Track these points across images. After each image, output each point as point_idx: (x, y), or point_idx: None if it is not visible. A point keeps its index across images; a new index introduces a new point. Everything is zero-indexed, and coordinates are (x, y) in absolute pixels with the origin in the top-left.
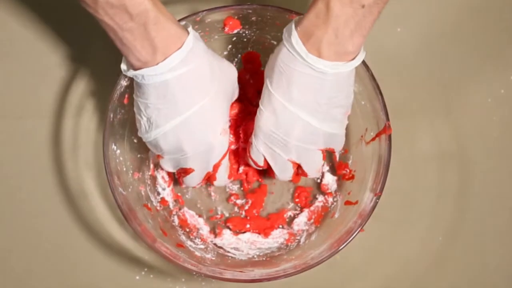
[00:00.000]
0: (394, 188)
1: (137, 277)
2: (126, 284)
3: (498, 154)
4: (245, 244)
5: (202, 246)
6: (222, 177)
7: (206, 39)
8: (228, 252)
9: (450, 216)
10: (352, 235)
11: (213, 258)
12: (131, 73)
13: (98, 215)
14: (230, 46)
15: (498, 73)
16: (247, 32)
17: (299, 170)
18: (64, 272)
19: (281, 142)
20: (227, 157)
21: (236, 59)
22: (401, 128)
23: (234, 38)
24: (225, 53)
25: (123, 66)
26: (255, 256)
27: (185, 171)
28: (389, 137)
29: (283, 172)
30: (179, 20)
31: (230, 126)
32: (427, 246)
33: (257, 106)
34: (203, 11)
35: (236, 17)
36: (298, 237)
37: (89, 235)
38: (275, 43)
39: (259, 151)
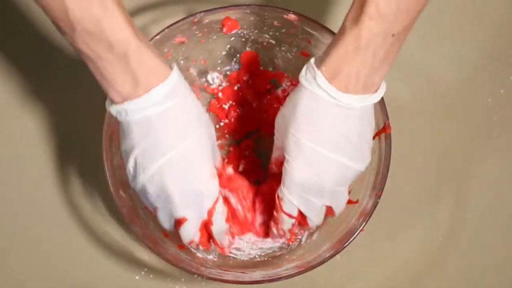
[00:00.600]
0: (394, 188)
1: (137, 277)
2: (126, 284)
3: (498, 154)
4: (246, 244)
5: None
6: (220, 223)
7: (204, 39)
8: (230, 252)
9: (450, 216)
10: (354, 234)
11: (215, 259)
12: (114, 109)
13: (98, 215)
14: (228, 46)
15: (498, 73)
16: (245, 32)
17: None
18: (63, 272)
19: (317, 189)
20: (221, 201)
21: (234, 59)
22: (400, 128)
23: (233, 38)
24: (224, 53)
25: (107, 103)
26: (257, 256)
27: (178, 222)
28: (389, 136)
29: (318, 218)
30: (177, 22)
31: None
32: (427, 246)
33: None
34: (200, 12)
35: (234, 17)
36: (300, 237)
37: (88, 235)
38: (273, 42)
39: (294, 204)
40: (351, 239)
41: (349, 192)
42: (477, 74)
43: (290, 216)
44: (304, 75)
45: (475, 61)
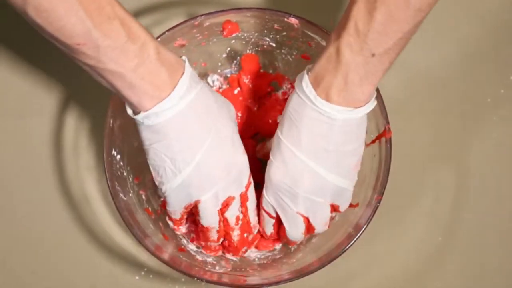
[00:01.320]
0: (394, 188)
1: (137, 277)
2: (126, 285)
3: (497, 154)
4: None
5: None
6: (253, 197)
7: (204, 42)
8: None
9: (449, 216)
10: (354, 238)
11: (214, 262)
12: (144, 114)
13: (98, 217)
14: (229, 48)
15: (497, 73)
16: (246, 34)
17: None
18: (63, 273)
19: (290, 193)
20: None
21: (235, 61)
22: (400, 128)
23: (233, 41)
24: (224, 55)
25: (130, 112)
26: (256, 259)
27: (226, 204)
28: (389, 140)
29: (294, 227)
30: (178, 25)
31: None
32: (427, 246)
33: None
34: (201, 15)
35: (234, 20)
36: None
37: (88, 236)
38: (274, 45)
39: (270, 203)
40: (351, 243)
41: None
42: (477, 74)
43: (269, 215)
44: (297, 79)
45: (474, 61)
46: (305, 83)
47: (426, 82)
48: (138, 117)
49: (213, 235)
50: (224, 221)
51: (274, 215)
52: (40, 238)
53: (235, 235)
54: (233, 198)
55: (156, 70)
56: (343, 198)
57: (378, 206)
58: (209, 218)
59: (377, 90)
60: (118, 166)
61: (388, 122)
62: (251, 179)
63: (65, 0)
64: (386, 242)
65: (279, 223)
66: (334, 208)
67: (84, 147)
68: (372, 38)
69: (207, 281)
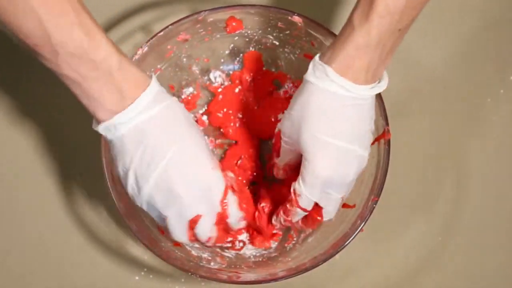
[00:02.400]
0: (393, 188)
1: (137, 277)
2: (126, 284)
3: (497, 154)
4: (241, 244)
5: (199, 245)
6: (235, 213)
7: (208, 38)
8: (225, 251)
9: (449, 216)
10: (349, 239)
11: (210, 258)
12: (103, 127)
13: (97, 215)
14: (232, 45)
15: (497, 73)
16: (249, 32)
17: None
18: (63, 273)
19: (340, 182)
20: (230, 192)
21: (237, 58)
22: (400, 128)
23: (236, 38)
24: (227, 52)
25: (94, 125)
26: (252, 257)
27: (193, 222)
28: (388, 142)
29: (334, 210)
30: (182, 19)
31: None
32: (427, 246)
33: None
34: (205, 10)
35: (238, 17)
36: (296, 238)
37: (88, 235)
38: (277, 43)
39: (311, 200)
40: (345, 244)
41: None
42: (477, 74)
43: (305, 210)
44: (313, 73)
45: (475, 61)
46: (332, 75)
47: (426, 83)
48: (98, 129)
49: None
50: (195, 239)
51: (310, 208)
52: (40, 238)
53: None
54: (200, 216)
55: (115, 84)
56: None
57: (374, 207)
58: (176, 235)
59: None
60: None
61: (387, 124)
62: (231, 195)
63: (24, 1)
64: (386, 241)
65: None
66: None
67: (84, 141)
68: (401, 14)
69: (201, 277)
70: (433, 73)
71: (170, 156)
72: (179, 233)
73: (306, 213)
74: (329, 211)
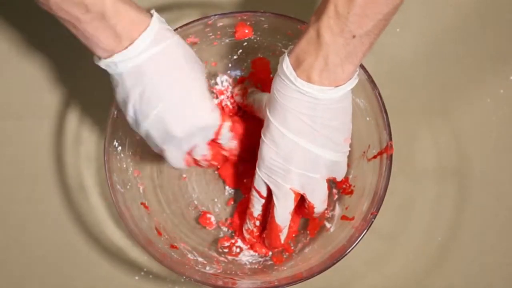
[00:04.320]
0: (394, 189)
1: (136, 277)
2: (125, 285)
3: (497, 154)
4: (238, 249)
5: None
6: (226, 134)
7: (216, 42)
8: (221, 256)
9: (449, 217)
10: (346, 252)
11: (205, 262)
12: (103, 63)
13: (97, 215)
14: (240, 50)
15: (497, 73)
16: (258, 38)
17: (304, 205)
18: (62, 273)
19: (283, 170)
20: (225, 125)
21: (245, 64)
22: (400, 128)
23: (245, 43)
24: (235, 57)
25: (95, 58)
26: (247, 263)
27: (188, 152)
28: (390, 157)
29: (284, 205)
30: (191, 22)
31: None
32: (427, 246)
33: None
34: (215, 15)
35: (248, 23)
36: (292, 247)
37: (88, 236)
38: (285, 51)
39: (263, 181)
40: (344, 255)
41: (346, 209)
42: (476, 74)
43: (259, 194)
44: (280, 61)
45: (474, 61)
46: (285, 64)
47: (426, 82)
48: (99, 63)
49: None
50: (194, 161)
51: (265, 195)
52: (39, 239)
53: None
54: (195, 146)
55: (109, 26)
56: (338, 170)
57: (373, 221)
58: (174, 163)
59: (384, 106)
60: (118, 157)
61: (391, 139)
62: (225, 128)
63: None
64: (386, 242)
65: (267, 206)
66: (332, 180)
67: (86, 139)
68: (352, 20)
69: (196, 281)
70: (433, 73)
71: (168, 98)
72: (177, 161)
73: (263, 201)
74: (279, 204)
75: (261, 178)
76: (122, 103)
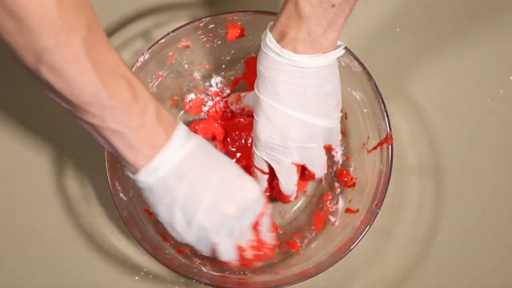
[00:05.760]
0: (393, 188)
1: (136, 277)
2: (125, 285)
3: (497, 154)
4: None
5: None
6: (267, 223)
7: (208, 44)
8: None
9: (449, 216)
10: (352, 245)
11: (212, 264)
12: (144, 172)
13: (97, 218)
14: (233, 51)
15: (497, 74)
16: (250, 37)
17: (305, 172)
18: (62, 274)
19: (281, 146)
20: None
21: (239, 64)
22: (399, 128)
23: (237, 43)
24: (228, 58)
25: (129, 174)
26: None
27: (241, 249)
28: (391, 146)
29: (288, 179)
30: (183, 26)
31: None
32: (427, 246)
33: None
34: (206, 17)
35: (239, 23)
36: (298, 243)
37: (87, 237)
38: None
39: (262, 159)
40: (351, 248)
41: (349, 201)
42: (476, 74)
43: (262, 171)
44: (262, 37)
45: (474, 61)
46: (268, 39)
47: (425, 82)
48: (138, 177)
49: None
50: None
51: (267, 170)
52: (39, 240)
53: (249, 254)
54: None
55: (155, 129)
56: (333, 136)
57: (378, 212)
58: (227, 256)
59: (381, 97)
60: (119, 165)
61: (390, 129)
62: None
63: (77, 60)
64: (385, 242)
65: (272, 178)
66: (328, 148)
67: (85, 146)
68: None
69: (205, 283)
70: (432, 73)
71: (214, 185)
72: (229, 253)
73: (266, 176)
74: (283, 179)
75: (260, 157)
76: (168, 213)
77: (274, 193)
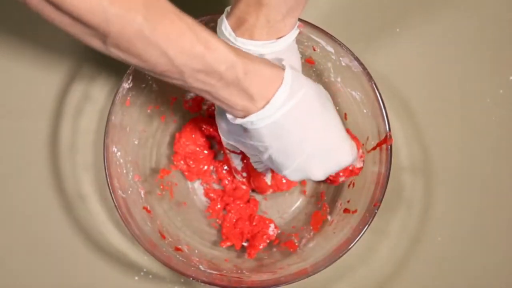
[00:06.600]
0: (393, 188)
1: (136, 277)
2: (125, 285)
3: (497, 154)
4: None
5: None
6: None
7: None
8: (225, 255)
9: (449, 216)
10: (351, 245)
11: (210, 262)
12: (239, 121)
13: (96, 217)
14: None
15: (497, 73)
16: None
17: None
18: (61, 274)
19: (237, 135)
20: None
21: None
22: (399, 128)
23: None
24: None
25: (229, 117)
26: (252, 260)
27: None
28: (390, 147)
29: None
30: None
31: None
32: (426, 246)
33: None
34: (206, 15)
35: None
36: (296, 243)
37: (86, 237)
38: None
39: (228, 142)
40: (349, 248)
41: (348, 202)
42: (476, 74)
43: (234, 152)
44: (219, 25)
45: (474, 61)
46: (224, 26)
47: (425, 82)
48: (236, 121)
49: None
50: None
51: (238, 151)
52: (38, 239)
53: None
54: None
55: (244, 89)
56: None
57: (376, 212)
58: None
59: (381, 98)
60: (118, 163)
61: (389, 129)
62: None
63: (141, 37)
64: (385, 242)
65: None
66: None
67: (82, 144)
68: None
69: (202, 282)
70: (432, 74)
71: (308, 150)
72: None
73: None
74: (247, 153)
75: (226, 141)
76: (255, 150)
77: (252, 183)
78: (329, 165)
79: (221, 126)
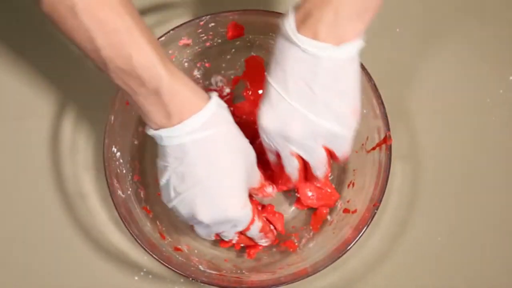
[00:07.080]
0: (393, 188)
1: (136, 277)
2: (125, 285)
3: (497, 154)
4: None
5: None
6: (255, 232)
7: (209, 42)
8: (225, 254)
9: (449, 216)
10: (350, 245)
11: (210, 262)
12: (151, 132)
13: (96, 217)
14: (233, 50)
15: (496, 73)
16: (251, 36)
17: (306, 166)
18: (62, 273)
19: (282, 135)
20: (256, 223)
21: (239, 63)
22: (400, 128)
23: (238, 42)
24: (228, 56)
25: (146, 127)
26: (252, 260)
27: (216, 235)
28: (390, 147)
29: (290, 165)
30: (183, 24)
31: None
32: (427, 246)
33: None
34: (207, 15)
35: (240, 22)
36: (296, 243)
37: (86, 236)
38: None
39: (267, 142)
40: (348, 248)
41: (348, 202)
42: (476, 74)
43: (272, 151)
44: (284, 18)
45: (474, 61)
46: (289, 20)
47: (426, 82)
48: (148, 132)
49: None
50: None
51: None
52: (38, 239)
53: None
54: (222, 232)
55: (162, 104)
56: (338, 144)
57: (376, 212)
58: (202, 236)
59: (380, 98)
60: (117, 163)
61: (389, 129)
62: (254, 227)
63: (72, 12)
64: (385, 242)
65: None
66: (331, 154)
67: (83, 145)
68: None
69: (202, 282)
70: (432, 73)
71: (202, 185)
72: (205, 236)
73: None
74: (284, 160)
75: (265, 141)
76: (160, 170)
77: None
78: (215, 211)
79: (261, 122)
